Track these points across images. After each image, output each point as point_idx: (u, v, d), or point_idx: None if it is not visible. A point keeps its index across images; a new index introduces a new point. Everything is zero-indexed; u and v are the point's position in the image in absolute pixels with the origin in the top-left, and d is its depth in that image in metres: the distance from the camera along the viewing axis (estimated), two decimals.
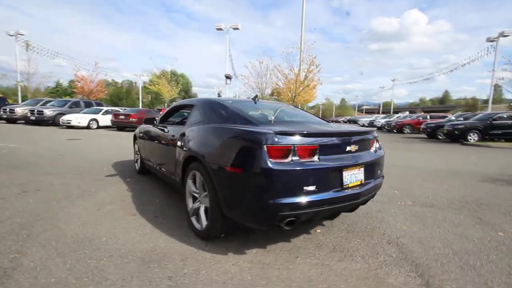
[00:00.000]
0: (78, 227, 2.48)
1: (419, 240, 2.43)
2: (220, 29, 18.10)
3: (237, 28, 17.94)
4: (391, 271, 1.95)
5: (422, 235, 2.53)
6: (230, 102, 2.78)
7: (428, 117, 19.38)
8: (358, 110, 75.89)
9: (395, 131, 20.07)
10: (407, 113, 42.15)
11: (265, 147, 1.76)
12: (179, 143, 2.78)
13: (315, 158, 1.88)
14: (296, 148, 1.82)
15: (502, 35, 17.10)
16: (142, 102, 40.39)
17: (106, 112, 15.62)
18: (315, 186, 1.83)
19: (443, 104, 78.17)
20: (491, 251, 2.27)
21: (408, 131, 19.02)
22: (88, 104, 17.51)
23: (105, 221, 2.65)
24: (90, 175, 4.43)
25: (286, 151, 1.80)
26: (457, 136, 12.51)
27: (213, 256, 2.07)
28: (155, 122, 3.76)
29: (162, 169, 3.35)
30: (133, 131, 14.38)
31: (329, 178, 1.91)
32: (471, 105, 37.60)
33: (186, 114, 4.54)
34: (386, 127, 22.00)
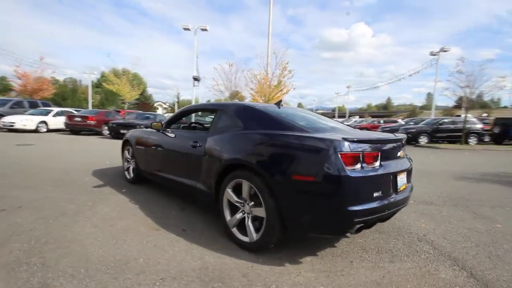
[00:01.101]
0: (100, 249, 2.15)
1: (442, 236, 2.66)
2: (187, 29, 17.51)
3: (205, 29, 17.56)
4: (438, 267, 2.09)
5: (441, 231, 2.77)
6: (264, 107, 2.70)
7: (382, 121, 21.40)
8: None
9: None
10: (357, 117, 45.96)
11: (339, 154, 1.76)
12: (208, 150, 2.61)
13: (377, 164, 1.93)
14: (364, 155, 1.85)
15: (443, 50, 19.99)
16: (91, 102, 36.79)
17: (57, 114, 13.88)
18: (381, 191, 1.89)
19: (386, 109, 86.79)
20: (501, 241, 2.59)
21: None
22: (33, 104, 15.34)
23: (128, 239, 2.34)
24: (74, 187, 3.88)
25: (356, 158, 1.82)
26: (410, 139, 14.00)
27: (271, 268, 1.98)
28: (161, 127, 3.46)
29: (176, 178, 3.09)
30: (91, 134, 13.12)
31: (390, 182, 1.99)
32: (411, 110, 42.57)
33: (203, 119, 4.24)
34: None
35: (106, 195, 3.56)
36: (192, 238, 2.41)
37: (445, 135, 13.69)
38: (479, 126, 13.90)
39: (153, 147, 3.55)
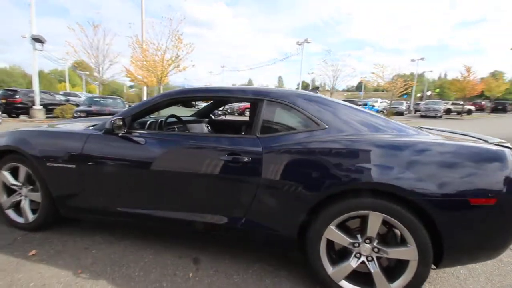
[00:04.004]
0: None
1: None
2: None
3: None
4: None
5: None
6: (331, 98, 1.95)
7: None
8: None
9: (236, 114, 22.72)
10: None
11: None
12: (272, 168, 1.63)
13: None
14: None
15: (307, 41, 23.56)
16: None
17: None
18: None
19: None
20: None
21: (245, 114, 22.11)
22: None
23: None
24: None
25: None
26: None
27: None
28: (123, 127, 1.92)
29: (190, 216, 1.85)
30: None
31: None
32: None
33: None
34: (228, 111, 24.16)
35: (3, 274, 1.70)
36: None
37: None
38: None
39: (113, 165, 1.96)
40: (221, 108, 11.26)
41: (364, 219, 1.55)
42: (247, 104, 22.75)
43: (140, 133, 1.97)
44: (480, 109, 31.38)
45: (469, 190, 1.40)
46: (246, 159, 1.68)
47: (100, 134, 2.01)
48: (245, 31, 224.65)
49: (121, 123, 1.90)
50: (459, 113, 25.55)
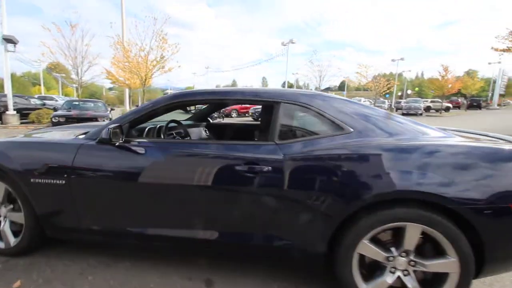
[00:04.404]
0: None
1: None
2: None
3: None
4: None
5: None
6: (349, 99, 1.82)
7: None
8: (164, 94, 75.69)
9: (223, 115, 22.47)
10: None
11: None
12: (295, 177, 1.48)
13: None
14: None
15: (292, 41, 23.68)
16: None
17: None
18: None
19: None
20: None
21: (235, 115, 21.81)
22: None
23: None
24: None
25: None
26: None
27: None
28: (121, 135, 1.70)
29: (198, 234, 1.65)
30: None
31: None
32: None
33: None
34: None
35: None
36: None
37: None
38: None
39: (110, 180, 1.74)
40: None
41: (397, 231, 1.43)
42: (234, 105, 22.59)
43: (139, 142, 1.75)
44: (457, 106, 32.81)
45: (509, 195, 1.31)
46: (266, 169, 1.51)
47: (92, 144, 1.77)
48: (228, 31, 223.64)
49: (118, 131, 1.67)
50: (437, 110, 26.56)
